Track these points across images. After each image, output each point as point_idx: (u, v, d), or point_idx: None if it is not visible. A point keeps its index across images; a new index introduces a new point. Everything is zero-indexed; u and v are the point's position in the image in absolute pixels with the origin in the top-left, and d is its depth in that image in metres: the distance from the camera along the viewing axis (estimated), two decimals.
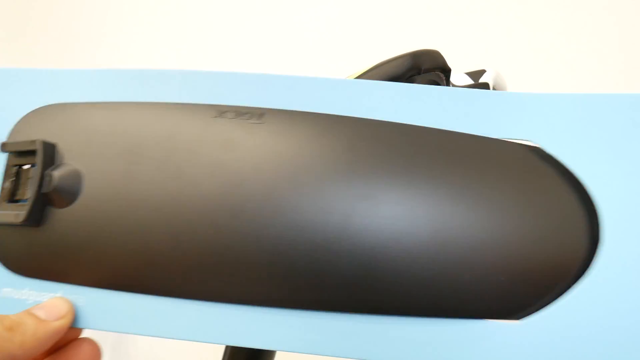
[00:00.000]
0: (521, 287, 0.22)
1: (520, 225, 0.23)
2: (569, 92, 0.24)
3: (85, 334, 0.29)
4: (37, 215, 0.27)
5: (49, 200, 0.27)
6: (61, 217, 0.27)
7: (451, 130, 0.25)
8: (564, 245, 0.23)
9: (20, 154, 0.28)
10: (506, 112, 0.25)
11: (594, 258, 0.22)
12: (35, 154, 0.27)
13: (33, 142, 0.27)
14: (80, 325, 0.26)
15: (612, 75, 0.61)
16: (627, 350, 0.21)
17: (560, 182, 0.23)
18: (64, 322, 0.25)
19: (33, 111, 0.29)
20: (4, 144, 0.28)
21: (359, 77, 0.34)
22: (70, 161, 0.27)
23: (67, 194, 0.27)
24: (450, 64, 0.35)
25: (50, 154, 0.27)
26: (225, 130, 0.26)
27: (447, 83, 0.35)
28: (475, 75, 0.34)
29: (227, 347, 0.38)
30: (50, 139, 0.28)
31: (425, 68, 0.33)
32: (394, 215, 0.23)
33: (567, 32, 0.63)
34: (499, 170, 0.24)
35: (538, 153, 0.24)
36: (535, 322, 0.22)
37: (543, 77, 0.64)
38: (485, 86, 0.33)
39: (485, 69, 0.33)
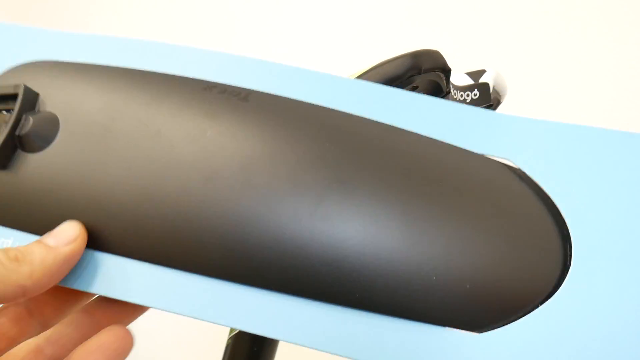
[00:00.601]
0: (487, 301, 0.22)
1: (493, 240, 0.23)
2: (557, 121, 0.24)
3: None
4: (5, 157, 0.26)
5: (21, 143, 0.26)
6: (30, 162, 0.26)
7: (435, 138, 0.25)
8: (535, 266, 0.22)
9: (2, 98, 0.27)
10: (490, 130, 0.25)
11: (562, 282, 0.22)
12: (16, 100, 0.26)
13: (16, 86, 0.26)
14: None
15: (613, 76, 0.61)
16: None
17: (538, 205, 0.23)
18: (74, 247, 0.24)
19: (19, 65, 0.29)
20: None
21: (359, 77, 0.34)
22: (50, 110, 0.27)
23: (41, 138, 0.26)
24: (450, 64, 0.35)
25: (30, 100, 0.26)
26: (210, 102, 0.26)
27: (447, 83, 0.35)
28: (476, 75, 0.34)
29: (226, 347, 0.38)
30: (34, 89, 0.27)
31: (425, 68, 0.33)
32: (365, 205, 0.23)
33: (568, 32, 0.63)
34: (478, 183, 0.24)
35: (518, 174, 0.24)
36: (494, 337, 0.22)
37: (543, 77, 0.64)
38: (486, 86, 0.33)
39: (486, 69, 0.33)
